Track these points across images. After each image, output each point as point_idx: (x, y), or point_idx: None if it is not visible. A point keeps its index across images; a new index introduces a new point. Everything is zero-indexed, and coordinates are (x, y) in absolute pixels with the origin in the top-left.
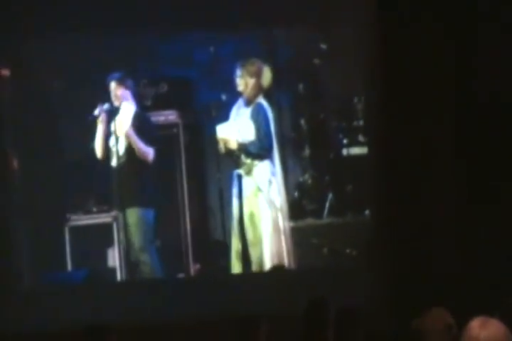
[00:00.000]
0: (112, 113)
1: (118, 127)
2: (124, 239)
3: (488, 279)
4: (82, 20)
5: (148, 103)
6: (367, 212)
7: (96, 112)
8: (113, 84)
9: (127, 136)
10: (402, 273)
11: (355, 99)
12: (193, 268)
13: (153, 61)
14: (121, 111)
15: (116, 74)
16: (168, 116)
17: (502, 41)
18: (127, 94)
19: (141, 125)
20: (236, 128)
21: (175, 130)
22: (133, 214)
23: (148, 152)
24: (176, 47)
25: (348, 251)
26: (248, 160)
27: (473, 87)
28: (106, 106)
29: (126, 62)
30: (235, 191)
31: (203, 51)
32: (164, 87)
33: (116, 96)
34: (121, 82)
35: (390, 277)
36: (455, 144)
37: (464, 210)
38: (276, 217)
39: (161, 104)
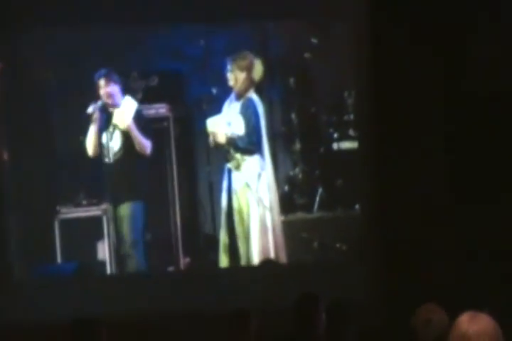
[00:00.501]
0: (105, 110)
1: (118, 121)
2: (114, 233)
3: (477, 274)
4: (73, 15)
5: (139, 96)
6: (357, 206)
7: (90, 110)
8: (102, 82)
9: (128, 130)
10: (393, 267)
11: (346, 94)
12: (183, 261)
13: (144, 54)
14: (122, 106)
15: (103, 71)
16: (158, 109)
17: (492, 40)
18: (116, 89)
19: (140, 119)
20: (225, 122)
21: (165, 123)
22: (125, 208)
23: (147, 145)
24: (167, 41)
25: (338, 245)
26: (237, 155)
27: (463, 84)
28: (99, 103)
29: (117, 56)
30: (224, 185)
31: (194, 45)
32: (155, 80)
33: (106, 93)
34: (108, 78)
35: (380, 271)
36: (444, 140)
37: (452, 205)
38: (264, 212)
39: (152, 97)
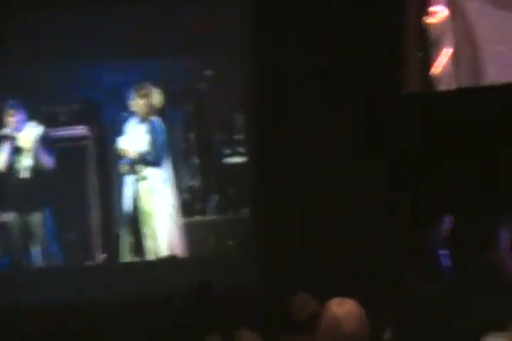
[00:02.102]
0: (13, 134)
1: (24, 142)
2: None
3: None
4: None
5: (65, 119)
6: (245, 210)
7: (2, 132)
8: (8, 112)
9: (31, 150)
10: (273, 260)
11: (236, 116)
12: (99, 257)
13: (70, 84)
14: (25, 130)
15: (11, 102)
16: (79, 130)
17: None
18: (20, 117)
19: (47, 140)
20: (134, 141)
21: (85, 142)
22: (38, 215)
23: (49, 162)
24: (88, 74)
25: (230, 242)
26: (144, 168)
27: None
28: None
29: (46, 85)
30: (133, 193)
31: (109, 78)
32: (77, 106)
33: (12, 121)
34: (15, 109)
35: (264, 264)
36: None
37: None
38: (170, 215)
39: (74, 120)
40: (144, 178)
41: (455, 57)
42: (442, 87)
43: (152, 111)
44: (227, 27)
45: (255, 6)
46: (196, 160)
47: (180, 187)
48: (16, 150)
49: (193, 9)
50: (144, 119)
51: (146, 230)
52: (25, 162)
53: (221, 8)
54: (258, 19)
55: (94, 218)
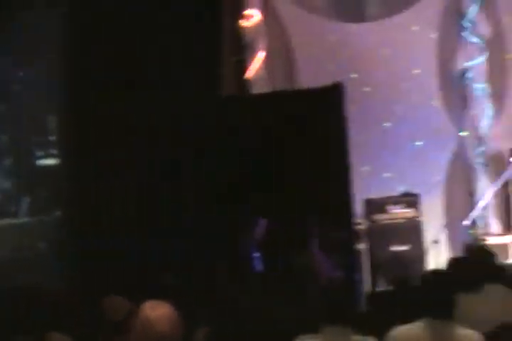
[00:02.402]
0: None
1: None
2: None
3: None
4: None
5: None
6: (57, 212)
7: None
8: None
9: None
10: (86, 261)
11: (50, 118)
12: None
13: None
14: None
15: None
16: None
17: None
18: None
19: None
20: None
21: None
22: None
23: None
24: None
25: (41, 244)
26: None
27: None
28: None
29: None
30: None
31: None
32: None
33: None
34: None
35: (76, 265)
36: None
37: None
38: None
39: None
40: None
41: (269, 61)
42: (257, 90)
43: None
44: (44, 28)
45: (72, 8)
46: (8, 162)
47: None
48: None
49: (9, 10)
50: None
51: None
52: None
53: (38, 8)
54: (74, 21)
55: None
